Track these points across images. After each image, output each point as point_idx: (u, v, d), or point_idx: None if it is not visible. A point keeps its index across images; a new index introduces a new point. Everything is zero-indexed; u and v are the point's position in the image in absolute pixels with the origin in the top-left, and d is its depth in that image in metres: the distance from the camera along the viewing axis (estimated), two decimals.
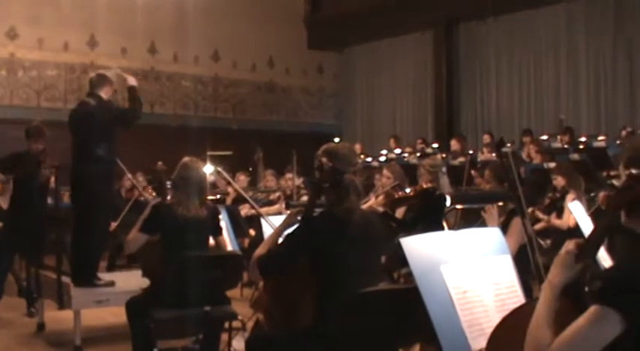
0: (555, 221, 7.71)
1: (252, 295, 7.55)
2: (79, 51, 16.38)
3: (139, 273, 6.19)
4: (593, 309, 2.05)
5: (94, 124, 6.77)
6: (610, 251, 4.68)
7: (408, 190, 5.86)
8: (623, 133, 11.53)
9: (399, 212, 6.20)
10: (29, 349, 6.90)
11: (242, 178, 11.70)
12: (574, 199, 6.69)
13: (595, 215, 5.52)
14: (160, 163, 8.55)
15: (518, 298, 3.22)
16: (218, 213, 5.71)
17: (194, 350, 5.87)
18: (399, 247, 3.06)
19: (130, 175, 10.17)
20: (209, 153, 12.20)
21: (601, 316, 2.03)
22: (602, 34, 14.67)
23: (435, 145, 13.75)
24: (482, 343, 2.86)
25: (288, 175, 9.95)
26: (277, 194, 10.13)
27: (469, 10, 16.23)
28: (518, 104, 16.16)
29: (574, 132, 12.42)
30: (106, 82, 7.00)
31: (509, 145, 12.29)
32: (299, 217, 4.04)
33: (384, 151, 13.82)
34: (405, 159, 12.31)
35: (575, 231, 5.39)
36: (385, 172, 7.04)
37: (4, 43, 15.67)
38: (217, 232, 5.56)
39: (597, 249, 2.29)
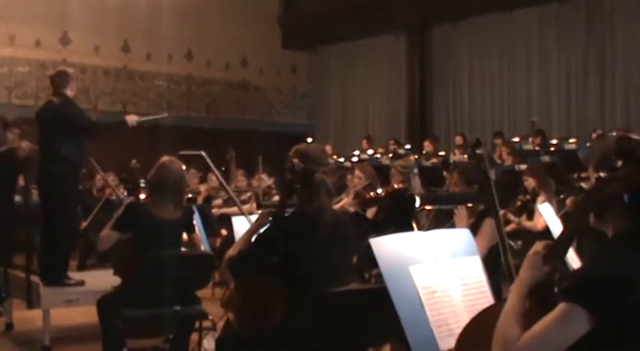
0: (526, 223, 7.76)
1: (223, 294, 7.52)
2: (51, 48, 16.25)
3: (110, 272, 6.13)
4: (560, 306, 2.07)
5: (60, 124, 6.72)
6: (579, 253, 4.73)
7: (379, 191, 5.87)
8: (594, 135, 11.64)
9: (370, 213, 6.21)
10: None
11: (214, 178, 11.66)
12: (544, 201, 6.75)
13: (565, 218, 5.56)
14: (134, 161, 8.53)
15: (487, 299, 3.24)
16: (192, 213, 5.69)
17: (164, 350, 5.86)
18: (370, 247, 3.07)
19: (101, 174, 10.09)
20: (181, 152, 12.14)
21: (568, 314, 2.05)
22: (574, 38, 14.81)
23: (408, 147, 13.80)
24: (451, 343, 2.87)
25: (259, 175, 9.94)
26: (248, 194, 10.12)
27: (443, 13, 16.31)
28: (491, 106, 16.28)
29: (545, 134, 12.52)
30: (69, 78, 6.94)
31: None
32: (270, 218, 4.05)
33: (357, 152, 13.86)
34: (378, 160, 12.34)
35: (545, 233, 5.43)
36: (357, 172, 7.04)
37: None
38: (191, 229, 5.54)
39: (565, 251, 2.31)
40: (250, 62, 19.07)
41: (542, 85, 15.36)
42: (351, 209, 5.87)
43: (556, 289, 2.16)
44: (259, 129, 18.38)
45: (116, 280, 5.74)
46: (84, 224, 9.32)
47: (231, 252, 3.99)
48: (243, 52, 18.83)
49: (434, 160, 11.53)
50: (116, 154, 13.75)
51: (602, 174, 2.19)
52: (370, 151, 13.86)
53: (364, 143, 15.30)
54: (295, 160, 3.99)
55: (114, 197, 10.22)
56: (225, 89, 18.82)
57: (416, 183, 6.22)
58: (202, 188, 11.08)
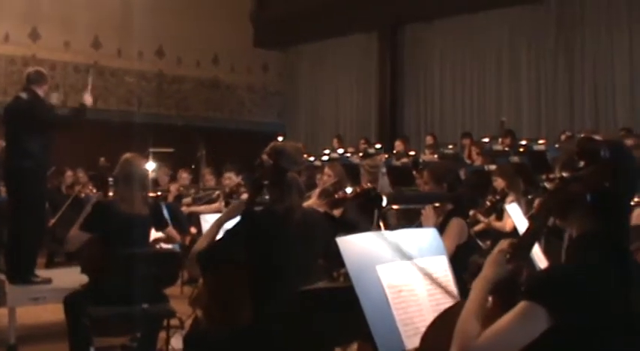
0: (495, 223, 7.80)
1: (191, 292, 7.50)
2: (20, 43, 16.09)
3: (77, 270, 6.10)
4: (521, 305, 2.09)
5: (26, 120, 6.68)
6: (546, 253, 4.78)
7: (348, 190, 5.89)
8: (563, 137, 11.72)
9: (338, 212, 6.23)
10: None
11: (184, 176, 11.63)
12: (513, 202, 6.80)
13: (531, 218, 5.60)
14: (102, 159, 8.47)
15: (453, 298, 3.26)
16: (160, 207, 5.69)
17: (132, 348, 5.83)
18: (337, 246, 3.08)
19: (70, 172, 10.02)
20: (151, 150, 12.10)
21: (528, 312, 2.07)
22: (544, 39, 14.95)
23: (378, 146, 13.82)
24: (417, 342, 2.88)
25: (227, 174, 9.91)
26: (217, 192, 10.09)
27: (414, 13, 16.36)
28: (461, 106, 16.38)
29: (515, 135, 12.60)
30: (44, 80, 6.91)
31: (450, 146, 12.47)
32: (239, 213, 4.04)
33: (327, 151, 13.86)
34: (348, 159, 12.34)
35: (514, 233, 5.48)
36: (326, 170, 7.04)
37: None
38: (164, 224, 5.54)
39: (529, 250, 2.32)
40: (221, 60, 19.02)
41: (513, 87, 15.48)
42: (321, 209, 5.90)
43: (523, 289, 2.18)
44: (230, 127, 18.33)
45: (84, 278, 5.71)
46: (52, 221, 9.24)
47: (199, 245, 3.99)
48: (214, 50, 18.77)
49: (404, 160, 11.55)
50: (86, 151, 13.69)
51: (564, 174, 2.21)
52: (341, 150, 13.85)
53: (335, 142, 15.31)
54: (265, 157, 3.99)
55: (83, 195, 10.16)
56: (196, 87, 18.76)
57: (385, 182, 6.23)
58: (173, 187, 11.03)
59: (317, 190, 6.42)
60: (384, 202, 4.41)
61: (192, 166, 12.72)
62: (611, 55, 14.03)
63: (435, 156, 11.56)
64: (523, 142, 11.62)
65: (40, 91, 6.86)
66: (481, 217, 7.60)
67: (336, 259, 3.12)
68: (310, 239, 3.91)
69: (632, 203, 4.33)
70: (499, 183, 7.80)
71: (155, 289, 5.23)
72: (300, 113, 19.56)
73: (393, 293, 3.10)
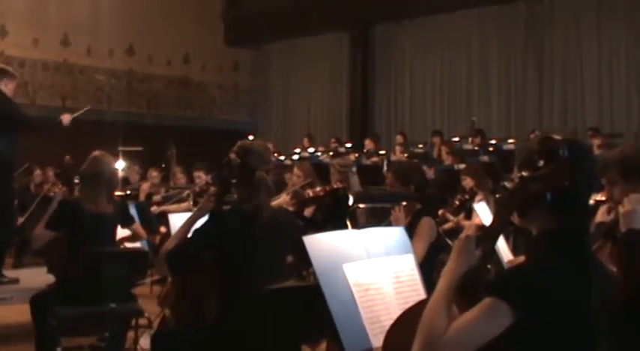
0: (464, 222, 7.85)
1: (160, 292, 7.48)
2: None
3: (44, 269, 6.07)
4: (486, 300, 2.11)
5: None
6: (514, 252, 4.82)
7: (318, 189, 5.91)
8: (532, 136, 11.80)
9: (308, 211, 6.24)
10: None
11: (155, 175, 11.58)
12: (481, 201, 6.84)
13: None
14: (67, 157, 8.39)
15: (420, 296, 3.28)
16: (125, 206, 5.66)
17: (100, 348, 5.79)
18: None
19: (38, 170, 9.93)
20: (121, 148, 12.03)
21: (493, 308, 2.09)
22: (514, 39, 15.07)
23: (349, 145, 13.86)
24: None
25: (197, 173, 9.88)
26: (187, 192, 10.05)
27: (385, 12, 16.40)
28: (432, 105, 16.47)
29: (485, 134, 12.68)
30: (6, 75, 6.83)
31: (420, 145, 12.53)
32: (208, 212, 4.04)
33: (298, 150, 13.88)
34: (319, 158, 12.36)
35: None
36: (295, 170, 7.06)
37: None
38: (130, 221, 5.51)
39: (497, 236, 2.33)
40: (192, 59, 18.94)
41: (482, 86, 15.58)
42: (290, 208, 5.90)
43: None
44: (201, 126, 18.25)
45: (51, 278, 5.67)
46: (20, 221, 9.14)
47: (168, 245, 3.98)
48: (185, 49, 18.68)
49: (374, 159, 11.60)
50: (56, 150, 13.55)
51: (524, 173, 2.24)
52: (311, 149, 13.87)
53: (305, 141, 15.32)
54: (232, 156, 3.98)
55: (52, 194, 10.07)
56: (166, 85, 18.67)
57: (355, 181, 6.25)
58: (143, 185, 10.97)
59: (289, 192, 6.44)
60: (351, 201, 4.43)
61: (163, 165, 12.67)
62: (580, 56, 14.18)
63: (405, 155, 11.61)
64: (493, 142, 11.72)
65: (5, 88, 6.78)
66: (450, 216, 7.65)
67: (305, 258, 3.14)
68: (278, 238, 3.92)
69: (593, 202, 4.40)
70: (468, 182, 7.84)
71: (123, 289, 5.19)
72: (271, 112, 19.56)
73: (360, 292, 3.13)
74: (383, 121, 17.26)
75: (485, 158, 9.90)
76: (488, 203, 6.40)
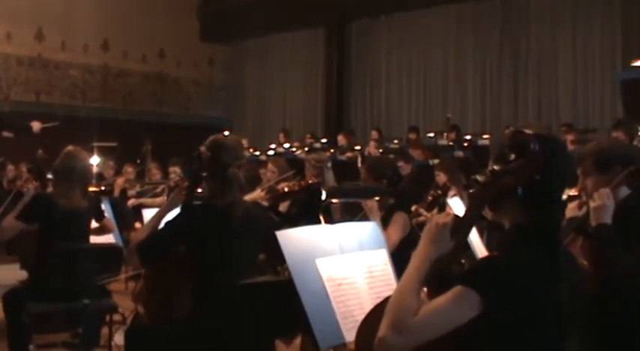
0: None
1: (134, 287, 7.45)
2: None
3: (17, 266, 6.02)
4: (457, 288, 2.12)
5: None
6: (488, 247, 4.84)
7: (292, 184, 5.90)
8: (507, 132, 11.87)
9: (283, 207, 6.24)
10: None
11: (129, 170, 11.51)
12: (455, 196, 6.86)
13: None
14: (40, 151, 8.31)
15: (392, 291, 3.29)
16: (99, 201, 5.62)
17: (73, 345, 5.76)
18: None
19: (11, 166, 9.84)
20: (95, 144, 11.96)
21: (462, 296, 2.11)
22: (489, 36, 15.16)
23: (324, 141, 13.88)
24: None
25: (172, 169, 9.84)
26: (162, 187, 10.01)
27: (362, 8, 16.43)
28: (407, 102, 16.52)
29: (460, 130, 12.74)
30: None
31: (396, 141, 12.56)
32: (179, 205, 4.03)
33: (273, 146, 13.88)
34: (294, 153, 12.37)
35: None
36: (270, 166, 7.06)
37: None
38: (100, 215, 5.48)
39: (469, 229, 2.34)
40: (168, 54, 18.87)
41: (458, 82, 15.66)
42: (265, 203, 5.89)
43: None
44: (176, 121, 18.16)
45: (24, 274, 5.63)
46: None
47: (139, 236, 3.96)
48: (160, 44, 18.60)
49: (349, 154, 11.63)
50: (29, 145, 13.43)
51: (495, 167, 2.25)
52: (287, 145, 13.89)
53: (281, 137, 15.33)
54: (203, 148, 3.97)
55: (25, 189, 9.97)
56: (141, 81, 18.58)
57: (329, 177, 6.26)
58: (118, 181, 10.89)
59: (264, 188, 6.42)
60: (324, 197, 4.43)
61: (138, 161, 12.60)
62: (555, 52, 14.29)
63: (380, 150, 11.64)
64: (468, 137, 11.78)
65: None
66: (423, 212, 7.64)
67: (279, 253, 3.14)
68: (252, 234, 3.90)
69: (565, 197, 4.43)
70: (441, 177, 7.85)
71: (97, 284, 5.16)
72: (247, 108, 19.53)
73: (333, 286, 3.13)
74: (358, 116, 17.30)
75: (459, 154, 9.94)
76: (461, 198, 6.41)
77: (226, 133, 13.29)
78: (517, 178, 2.20)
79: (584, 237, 3.51)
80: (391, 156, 9.34)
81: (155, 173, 11.23)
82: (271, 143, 14.39)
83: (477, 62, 15.41)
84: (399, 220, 5.00)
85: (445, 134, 12.36)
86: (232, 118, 19.51)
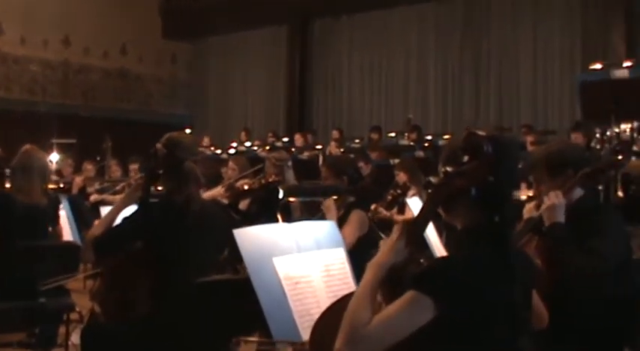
0: (397, 217, 7.90)
1: (92, 286, 7.38)
2: None
3: None
4: (409, 293, 2.14)
5: None
6: (446, 246, 4.88)
7: (252, 182, 5.92)
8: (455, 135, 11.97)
9: (243, 205, 6.24)
10: None
11: (89, 168, 11.39)
12: (414, 195, 6.91)
13: None
14: None
15: (350, 290, 3.29)
16: (58, 202, 5.58)
17: (30, 344, 5.70)
18: None
19: None
20: (55, 140, 11.84)
21: (415, 301, 2.12)
22: (451, 37, 15.25)
23: (286, 139, 13.89)
24: None
25: (132, 166, 9.78)
26: (122, 184, 9.95)
27: (324, 7, 16.47)
28: (369, 101, 16.57)
29: (421, 130, 12.81)
30: None
31: (357, 141, 12.60)
32: (136, 201, 4.01)
33: (235, 144, 13.86)
34: (255, 152, 12.37)
35: None
36: (230, 164, 7.06)
37: None
38: (55, 221, 5.43)
39: (422, 231, 2.35)
40: (130, 50, 18.71)
41: (420, 82, 15.74)
42: (224, 201, 5.90)
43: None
44: (137, 118, 17.99)
45: None
46: None
47: (94, 231, 3.94)
48: (122, 40, 18.43)
49: (308, 153, 11.68)
50: None
51: (448, 169, 2.27)
52: (248, 143, 13.88)
53: (242, 135, 15.30)
54: (159, 146, 3.96)
55: None
56: (103, 77, 18.41)
57: (290, 175, 6.27)
58: (77, 179, 10.79)
59: (224, 185, 6.42)
60: (281, 195, 4.44)
61: (98, 158, 12.50)
62: (516, 53, 14.44)
63: (341, 150, 11.67)
64: (429, 138, 11.86)
65: None
66: (383, 211, 7.69)
67: (238, 251, 3.14)
68: (208, 231, 3.90)
69: (525, 198, 4.48)
70: (401, 177, 7.90)
71: (54, 283, 5.12)
72: (209, 105, 19.45)
73: (290, 285, 3.14)
74: (320, 115, 17.33)
75: (420, 154, 10.01)
76: (421, 198, 6.46)
77: (188, 130, 13.24)
78: (470, 179, 2.22)
79: (538, 237, 3.56)
80: (352, 156, 9.39)
81: (115, 171, 11.14)
82: (233, 141, 14.36)
83: (439, 63, 15.50)
84: (356, 218, 5.02)
85: (406, 134, 12.42)
86: (194, 116, 19.41)
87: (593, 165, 3.67)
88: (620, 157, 7.32)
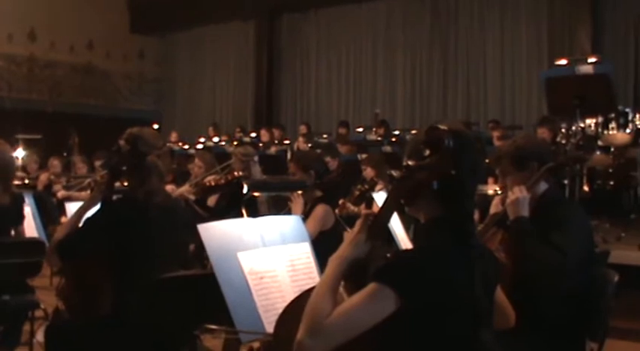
0: (364, 212, 7.90)
1: (58, 283, 7.33)
2: None
3: None
4: (371, 285, 2.15)
5: None
6: (413, 240, 4.90)
7: (219, 178, 5.89)
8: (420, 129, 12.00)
9: (212, 200, 6.23)
10: None
11: (55, 164, 11.29)
12: (381, 190, 6.93)
13: None
14: None
15: (315, 284, 3.31)
16: (22, 201, 5.50)
17: None
18: None
19: None
20: (20, 136, 11.72)
21: (377, 292, 2.13)
22: (419, 32, 15.31)
23: (254, 135, 13.88)
24: None
25: (99, 162, 9.70)
26: (88, 181, 9.87)
27: (292, 2, 16.47)
28: (337, 97, 16.60)
29: (389, 125, 12.85)
30: None
31: (325, 136, 12.61)
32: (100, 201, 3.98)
33: (202, 139, 13.82)
34: (222, 147, 12.34)
35: None
36: (196, 160, 7.05)
37: None
38: (19, 221, 5.35)
39: (384, 225, 2.37)
40: (97, 45, 18.56)
41: (388, 78, 15.79)
42: (192, 197, 5.88)
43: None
44: (104, 114, 17.84)
45: None
46: None
47: (59, 234, 3.90)
48: (89, 35, 18.27)
49: (274, 148, 11.69)
50: None
51: (409, 163, 2.29)
52: (216, 139, 13.84)
53: (210, 130, 15.26)
54: (122, 143, 3.94)
55: None
56: (69, 72, 18.24)
57: (256, 171, 6.28)
58: (42, 175, 10.69)
59: (192, 183, 6.41)
60: (245, 190, 4.44)
61: (65, 154, 12.39)
62: (484, 49, 14.53)
63: (309, 145, 11.68)
64: (396, 133, 11.90)
65: None
66: (350, 206, 7.70)
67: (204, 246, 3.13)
68: (171, 225, 3.89)
69: (492, 192, 4.50)
70: (368, 172, 7.92)
71: (17, 280, 5.07)
72: (177, 101, 19.39)
73: (255, 280, 3.14)
74: (289, 111, 17.34)
75: (387, 149, 10.04)
76: (388, 193, 6.48)
77: (155, 126, 13.19)
78: (432, 173, 2.24)
79: (503, 231, 3.60)
80: (319, 151, 9.40)
81: (81, 167, 11.02)
82: (201, 137, 14.31)
83: (407, 58, 15.56)
84: (319, 212, 5.03)
85: (374, 129, 12.46)
86: (162, 112, 19.34)
87: (556, 160, 3.72)
88: (583, 153, 7.42)
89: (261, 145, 12.26)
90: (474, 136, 2.35)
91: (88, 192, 9.02)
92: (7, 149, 5.38)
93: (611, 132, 8.15)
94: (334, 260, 2.30)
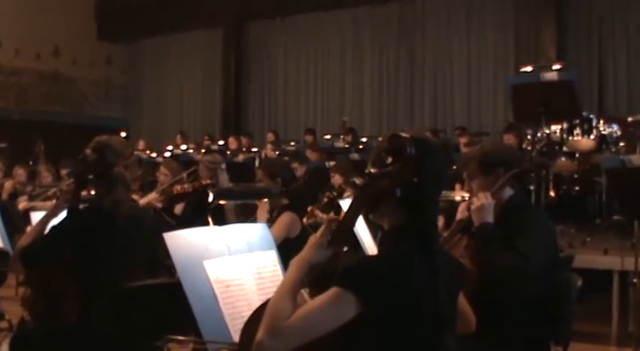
0: (329, 217, 7.91)
1: (24, 293, 7.25)
2: None
3: None
4: (333, 289, 2.17)
5: None
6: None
7: (186, 186, 5.88)
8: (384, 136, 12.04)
9: (178, 208, 6.21)
10: None
11: (20, 172, 11.17)
12: (349, 197, 6.95)
13: None
14: None
15: None
16: None
17: None
18: None
19: None
20: None
21: (339, 297, 2.15)
22: (386, 39, 15.40)
23: (222, 142, 13.84)
24: None
25: (65, 171, 9.62)
26: (53, 190, 9.79)
27: (259, 9, 16.46)
28: (305, 104, 16.62)
29: (357, 133, 12.88)
30: None
31: (292, 143, 12.62)
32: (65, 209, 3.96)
33: (170, 147, 13.76)
34: (190, 155, 12.30)
35: None
36: (162, 168, 7.02)
37: None
38: None
39: (348, 232, 2.38)
40: (63, 52, 18.40)
41: (356, 84, 15.85)
42: (159, 205, 5.85)
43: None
44: (71, 122, 17.68)
45: None
46: None
47: (23, 242, 3.87)
48: (55, 42, 18.11)
49: (242, 156, 11.67)
50: None
51: (372, 170, 2.30)
52: (184, 147, 13.79)
53: (178, 138, 15.19)
54: (88, 151, 3.92)
55: None
56: (35, 80, 18.06)
57: (224, 178, 6.27)
58: (7, 183, 10.57)
59: (159, 191, 6.38)
60: (211, 198, 4.43)
61: (30, 163, 12.27)
62: (450, 56, 14.64)
63: (277, 152, 11.69)
64: (364, 140, 11.94)
65: None
66: (319, 213, 7.72)
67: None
68: (138, 234, 3.88)
69: (460, 199, 4.54)
70: (337, 179, 7.95)
71: None
72: (144, 108, 19.29)
73: (221, 288, 3.14)
74: (256, 118, 17.33)
75: (355, 156, 10.07)
76: None
77: (122, 134, 13.10)
78: (395, 180, 2.26)
79: (468, 237, 3.63)
80: (286, 158, 9.41)
81: (45, 176, 10.90)
82: (168, 145, 14.25)
83: (374, 65, 15.63)
84: (285, 219, 5.04)
85: (342, 137, 12.49)
86: (129, 119, 19.22)
87: (521, 166, 3.77)
88: (547, 159, 7.49)
89: (228, 152, 12.23)
90: (437, 144, 2.38)
91: (53, 201, 8.96)
92: None
93: (575, 138, 8.23)
94: (296, 263, 2.33)
